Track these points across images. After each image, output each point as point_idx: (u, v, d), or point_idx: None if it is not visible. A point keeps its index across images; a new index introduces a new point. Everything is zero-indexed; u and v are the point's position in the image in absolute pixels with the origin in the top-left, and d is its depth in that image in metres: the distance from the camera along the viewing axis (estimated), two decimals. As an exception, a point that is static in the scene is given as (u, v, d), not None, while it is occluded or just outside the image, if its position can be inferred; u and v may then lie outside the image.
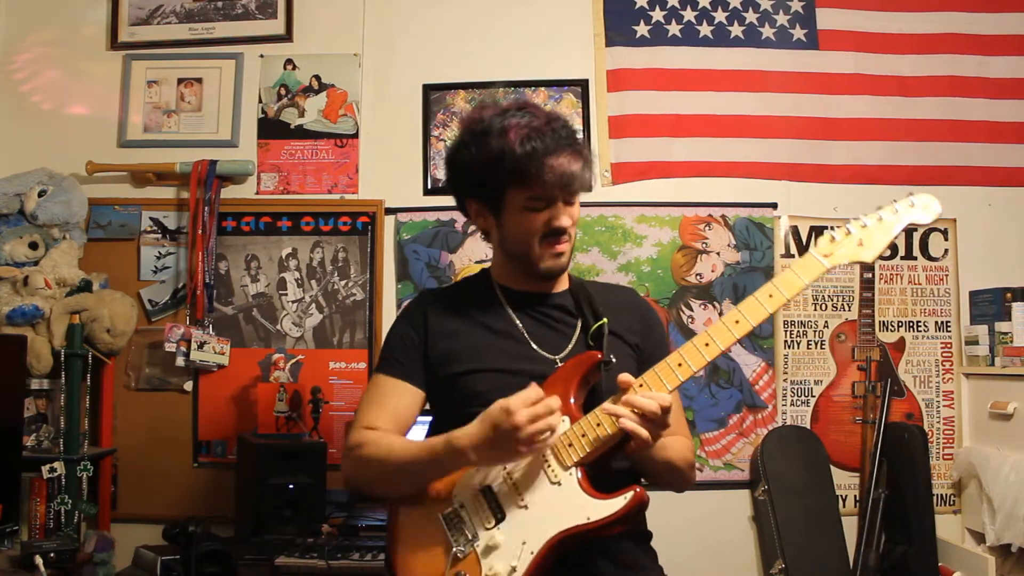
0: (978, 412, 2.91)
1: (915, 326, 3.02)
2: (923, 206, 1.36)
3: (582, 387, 1.43)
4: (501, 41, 3.10)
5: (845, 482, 2.94)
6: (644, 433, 1.31)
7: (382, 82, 3.11)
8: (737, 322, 1.35)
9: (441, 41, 3.12)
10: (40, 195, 2.83)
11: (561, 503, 1.35)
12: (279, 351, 2.88)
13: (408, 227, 3.02)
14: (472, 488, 1.42)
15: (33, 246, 2.83)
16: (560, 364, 1.48)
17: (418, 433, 1.56)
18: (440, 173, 3.08)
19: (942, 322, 3.02)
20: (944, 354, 3.01)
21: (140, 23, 3.15)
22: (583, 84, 3.06)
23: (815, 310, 3.01)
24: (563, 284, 1.60)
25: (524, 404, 1.29)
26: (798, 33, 3.11)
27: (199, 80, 3.13)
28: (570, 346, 1.51)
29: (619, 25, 3.11)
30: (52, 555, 2.34)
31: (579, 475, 1.36)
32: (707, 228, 3.02)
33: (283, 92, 3.11)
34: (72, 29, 3.17)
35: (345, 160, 3.08)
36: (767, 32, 3.11)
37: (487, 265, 1.69)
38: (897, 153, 3.06)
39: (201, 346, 2.89)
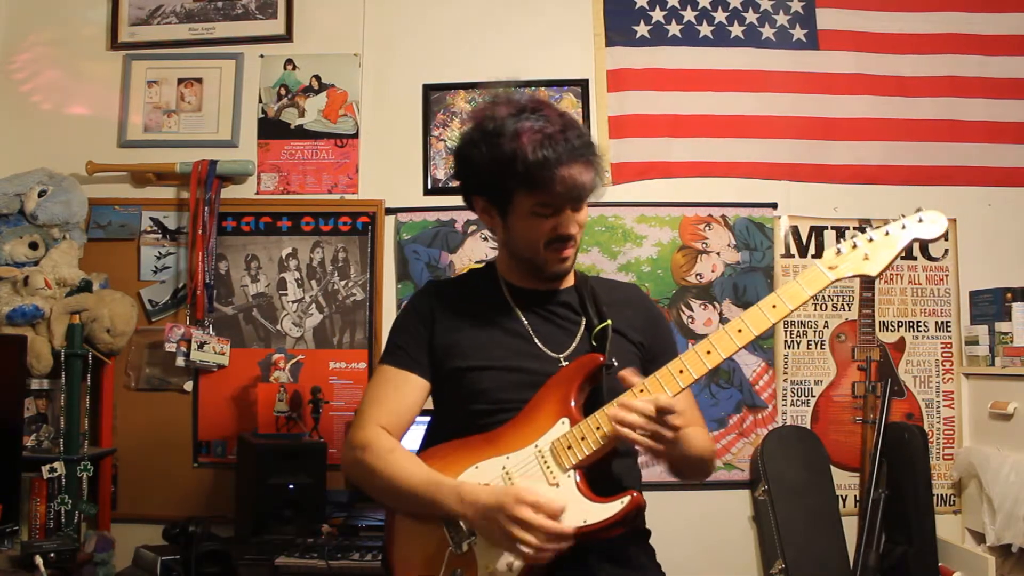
0: (978, 412, 2.91)
1: (915, 326, 3.02)
2: (930, 221, 1.37)
3: (583, 389, 1.42)
4: (501, 41, 3.10)
5: (845, 482, 2.94)
6: (645, 443, 1.31)
7: (382, 82, 3.12)
8: (740, 331, 1.35)
9: (441, 41, 3.12)
10: (40, 195, 2.83)
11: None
12: (279, 351, 2.88)
13: (408, 227, 3.02)
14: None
15: (33, 246, 2.83)
16: (563, 362, 1.48)
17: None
18: (440, 173, 3.08)
19: (942, 322, 3.02)
20: (944, 354, 3.01)
21: (140, 23, 3.15)
22: (583, 84, 3.06)
23: (815, 310, 3.01)
24: (568, 281, 1.59)
25: (533, 504, 1.28)
26: (798, 33, 3.11)
27: (199, 80, 3.13)
28: (574, 344, 1.50)
29: (619, 25, 3.11)
30: (52, 555, 2.34)
31: (577, 478, 1.36)
32: (707, 228, 3.02)
33: (283, 92, 3.11)
34: (72, 29, 3.17)
35: (345, 160, 3.08)
36: (767, 32, 3.11)
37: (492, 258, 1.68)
38: (897, 153, 3.06)
39: (201, 346, 2.89)
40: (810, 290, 1.35)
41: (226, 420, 2.95)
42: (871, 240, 1.36)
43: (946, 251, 3.05)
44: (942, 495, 2.95)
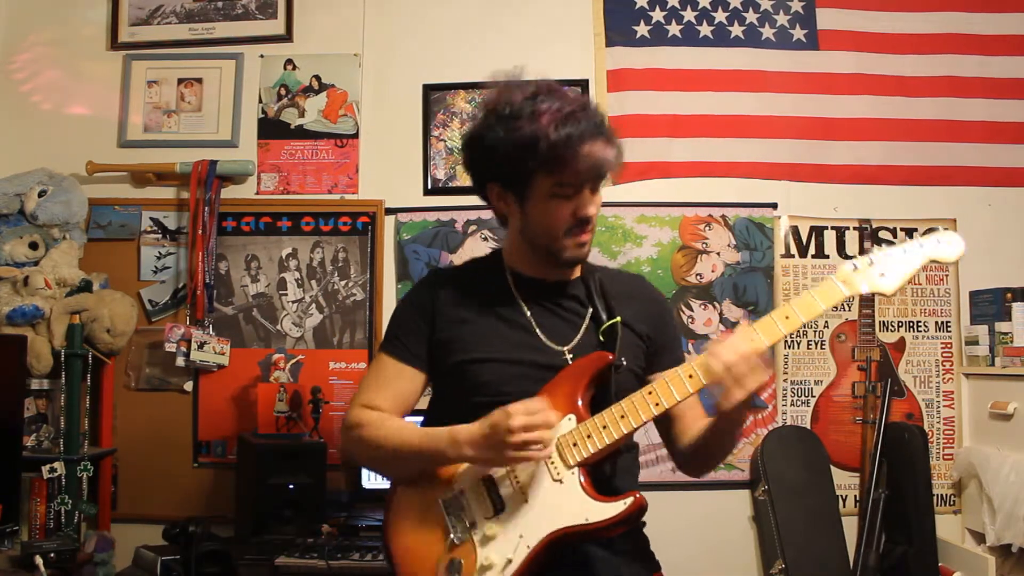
0: (978, 412, 2.91)
1: (915, 326, 3.02)
2: (948, 243, 1.36)
3: (591, 386, 1.42)
4: (501, 41, 3.10)
5: (845, 482, 2.94)
6: (733, 393, 1.30)
7: (382, 82, 3.12)
8: (751, 340, 1.35)
9: (441, 41, 3.12)
10: (40, 195, 2.83)
11: (561, 501, 1.35)
12: (279, 351, 2.88)
13: (408, 227, 3.02)
14: (474, 476, 1.42)
15: (33, 246, 2.83)
16: (567, 354, 1.47)
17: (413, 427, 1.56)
18: (440, 173, 3.08)
19: (942, 322, 3.02)
20: (944, 354, 3.01)
21: (140, 23, 3.15)
22: (583, 84, 3.06)
23: (815, 310, 3.01)
24: (575, 272, 1.57)
25: (524, 411, 1.29)
26: (798, 33, 3.11)
27: (199, 80, 3.13)
28: (578, 337, 1.49)
29: (619, 25, 3.11)
30: (52, 555, 2.35)
31: (581, 475, 1.36)
32: (707, 228, 3.02)
33: (283, 92, 3.11)
34: (72, 29, 3.17)
35: (345, 160, 3.08)
36: (767, 32, 3.11)
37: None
38: (897, 153, 3.06)
39: (201, 346, 2.89)
40: (824, 304, 1.34)
41: (226, 420, 2.95)
42: (888, 257, 1.35)
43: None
44: (942, 495, 2.95)
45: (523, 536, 1.35)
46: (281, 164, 3.08)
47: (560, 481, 1.36)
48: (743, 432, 1.47)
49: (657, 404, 1.36)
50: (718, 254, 3.01)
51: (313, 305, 3.02)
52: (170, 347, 2.88)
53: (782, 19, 3.12)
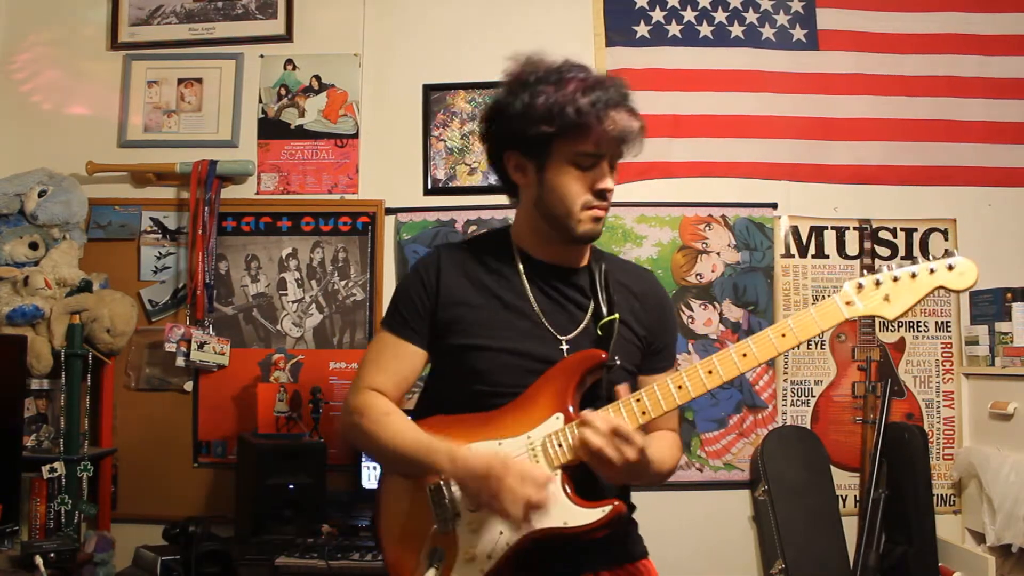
0: (978, 412, 2.91)
1: (915, 326, 3.02)
2: (960, 272, 1.30)
3: (582, 384, 1.42)
4: (501, 41, 3.09)
5: (845, 482, 2.94)
6: (605, 470, 1.31)
7: (382, 82, 3.12)
8: (745, 355, 1.33)
9: (441, 41, 3.12)
10: (40, 195, 2.83)
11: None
12: (279, 351, 2.88)
13: (408, 227, 3.02)
14: None
15: (33, 246, 2.83)
16: (565, 345, 1.46)
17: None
18: (440, 173, 3.08)
19: (942, 322, 3.02)
20: (944, 354, 3.01)
21: (140, 23, 3.15)
22: (583, 84, 3.06)
23: (815, 310, 3.01)
24: (583, 258, 1.56)
25: (531, 482, 1.29)
26: (798, 33, 3.11)
27: (199, 80, 3.13)
28: (578, 330, 1.48)
29: (619, 25, 3.11)
30: (52, 555, 2.35)
31: (563, 478, 1.36)
32: (707, 228, 3.02)
33: (283, 92, 3.11)
34: (72, 29, 3.17)
35: (345, 160, 3.08)
36: (767, 32, 3.11)
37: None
38: (897, 153, 3.06)
39: (201, 346, 2.89)
40: (823, 324, 1.33)
41: (226, 420, 2.95)
42: (896, 280, 1.32)
43: (946, 251, 3.03)
44: (942, 495, 2.95)
45: (503, 532, 1.35)
46: (281, 164, 3.08)
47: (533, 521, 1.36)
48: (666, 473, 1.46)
49: (644, 413, 1.36)
50: (718, 254, 3.01)
51: (313, 305, 3.02)
52: (170, 347, 2.88)
53: (782, 19, 3.12)
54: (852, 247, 3.04)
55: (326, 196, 3.06)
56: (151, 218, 3.04)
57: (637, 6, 3.12)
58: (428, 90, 3.09)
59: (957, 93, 3.08)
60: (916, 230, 3.05)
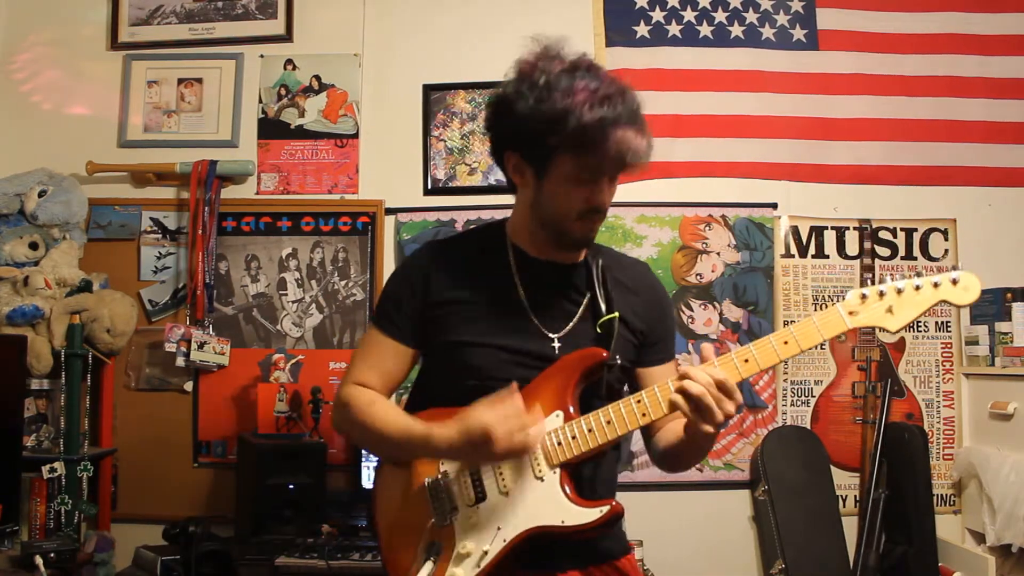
0: (978, 412, 2.91)
1: (915, 326, 3.02)
2: (964, 287, 1.28)
3: (582, 382, 1.41)
4: (501, 41, 3.08)
5: (845, 482, 2.94)
6: (704, 422, 1.28)
7: (382, 82, 3.12)
8: (746, 361, 1.32)
9: (441, 41, 3.12)
10: (40, 195, 2.83)
11: (540, 499, 1.35)
12: (279, 351, 2.88)
13: (408, 227, 3.02)
14: (460, 462, 1.42)
15: (33, 246, 2.83)
16: (557, 342, 1.45)
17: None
18: (441, 173, 3.08)
19: (942, 322, 3.02)
20: (944, 354, 3.01)
21: (140, 23, 3.15)
22: (583, 84, 3.06)
23: (815, 310, 3.01)
24: (579, 254, 1.54)
25: (502, 421, 1.28)
26: (798, 33, 3.11)
27: (199, 80, 3.13)
28: (570, 325, 1.46)
29: (619, 25, 3.11)
30: (52, 555, 2.35)
31: (562, 476, 1.36)
32: (707, 228, 3.02)
33: (283, 92, 3.11)
34: (72, 29, 3.17)
35: (345, 160, 3.08)
36: (767, 32, 3.11)
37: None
38: (897, 153, 3.06)
39: (201, 346, 2.89)
40: (826, 334, 1.32)
41: (226, 420, 2.95)
42: (900, 292, 1.30)
43: (946, 251, 3.05)
44: (942, 495, 2.95)
45: (500, 529, 1.36)
46: (281, 164, 3.08)
47: (541, 479, 1.36)
48: (726, 433, 1.43)
49: (644, 415, 1.35)
50: (718, 254, 3.01)
51: (313, 305, 3.02)
52: (170, 347, 2.88)
53: (782, 19, 3.12)
54: (852, 247, 3.04)
55: (326, 196, 3.06)
56: (151, 218, 3.04)
57: (637, 6, 3.12)
58: (428, 90, 3.09)
59: (957, 93, 3.08)
60: (916, 230, 3.05)
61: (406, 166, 3.08)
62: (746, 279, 3.00)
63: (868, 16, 3.10)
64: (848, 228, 3.05)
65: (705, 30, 3.11)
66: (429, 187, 3.07)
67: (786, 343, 1.32)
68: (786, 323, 2.99)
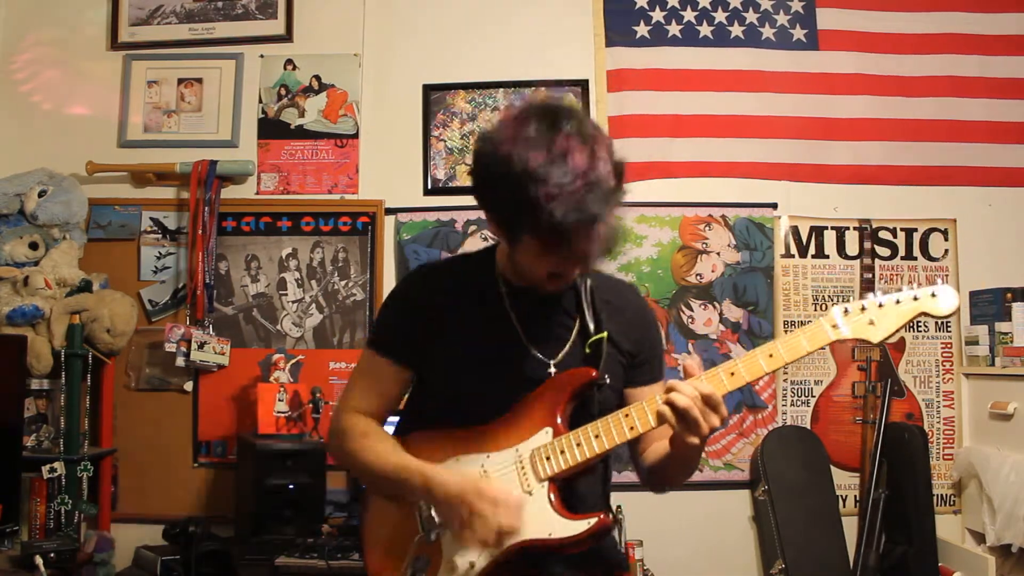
0: (978, 412, 2.91)
1: (915, 326, 3.02)
2: (942, 298, 1.35)
3: (571, 401, 1.42)
4: (501, 41, 3.10)
5: (845, 482, 2.94)
6: (689, 435, 1.29)
7: (382, 82, 3.12)
8: (733, 374, 1.35)
9: (441, 41, 3.12)
10: (40, 195, 2.83)
11: (529, 513, 1.35)
12: (279, 351, 2.88)
13: (408, 227, 3.02)
14: None
15: (33, 246, 2.83)
16: (553, 368, 1.46)
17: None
18: (440, 173, 3.08)
19: (942, 322, 3.02)
20: (944, 354, 3.01)
21: (140, 23, 3.15)
22: (583, 84, 3.06)
23: (815, 310, 3.01)
24: None
25: (493, 503, 1.30)
26: (798, 33, 3.11)
27: (199, 80, 3.13)
28: (565, 349, 1.48)
29: (619, 25, 3.11)
30: (52, 555, 2.35)
31: (550, 490, 1.37)
32: (707, 228, 3.02)
33: (283, 92, 3.11)
34: (72, 29, 3.17)
35: (345, 160, 3.08)
36: (767, 32, 3.11)
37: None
38: (897, 153, 3.06)
39: (201, 346, 2.89)
40: (810, 346, 1.36)
41: (226, 420, 2.95)
42: (880, 306, 1.37)
43: (946, 251, 3.05)
44: (942, 495, 2.95)
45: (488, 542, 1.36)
46: (281, 164, 3.08)
47: (530, 493, 1.37)
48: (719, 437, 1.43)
49: (632, 428, 1.36)
50: (718, 254, 3.01)
51: (313, 305, 3.02)
52: (170, 347, 2.88)
53: (782, 19, 3.12)
54: (852, 247, 3.04)
55: (326, 196, 3.06)
56: (151, 218, 3.04)
57: (637, 6, 3.12)
58: (428, 90, 3.09)
59: (957, 93, 3.08)
60: (916, 230, 3.05)
61: (406, 166, 3.08)
62: (746, 279, 3.00)
63: (868, 16, 3.10)
64: (848, 228, 3.05)
65: (705, 30, 3.11)
66: (429, 187, 3.07)
67: (771, 356, 1.36)
68: (786, 323, 3.00)
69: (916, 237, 3.05)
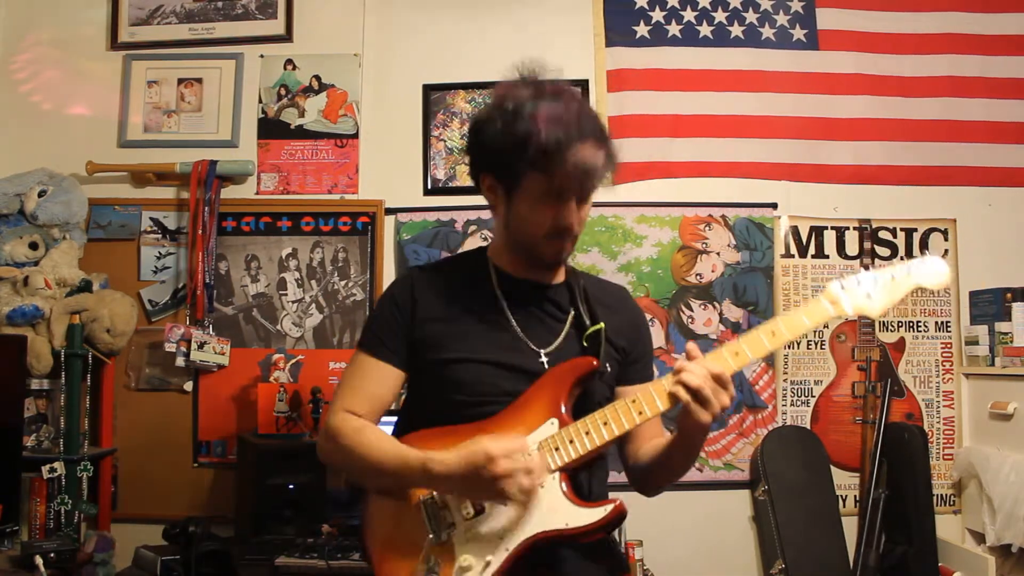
0: (978, 412, 2.91)
1: (915, 326, 3.02)
2: (933, 271, 1.39)
3: (574, 391, 1.42)
4: (501, 41, 3.10)
5: (845, 482, 2.94)
6: (701, 414, 1.30)
7: (382, 82, 3.12)
8: (737, 354, 1.35)
9: (441, 41, 3.12)
10: (40, 195, 2.83)
11: (542, 505, 1.35)
12: (279, 351, 2.88)
13: (408, 227, 3.03)
14: None
15: (33, 246, 2.83)
16: (545, 358, 1.46)
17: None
18: (440, 173, 3.08)
19: (942, 322, 3.02)
20: (944, 354, 3.01)
21: (140, 23, 3.15)
22: (583, 84, 3.06)
23: (815, 310, 3.01)
24: (559, 276, 1.57)
25: (505, 453, 1.28)
26: (798, 33, 3.11)
27: (199, 80, 3.13)
28: (558, 341, 1.48)
29: (619, 25, 3.11)
30: (52, 555, 2.35)
31: (562, 480, 1.36)
32: (707, 228, 3.02)
33: (283, 92, 3.11)
34: (72, 29, 3.17)
35: (345, 160, 3.08)
36: (767, 32, 3.11)
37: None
38: (897, 153, 3.06)
39: (201, 346, 2.89)
40: (810, 322, 1.38)
41: (226, 420, 2.95)
42: (876, 281, 1.39)
43: (946, 251, 3.05)
44: (942, 495, 2.95)
45: (503, 538, 1.35)
46: (281, 164, 3.08)
47: (541, 485, 1.36)
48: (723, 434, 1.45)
49: (641, 413, 1.36)
50: (718, 254, 3.01)
51: (313, 305, 3.02)
52: (170, 347, 2.88)
53: (782, 19, 3.12)
54: (852, 247, 3.04)
55: (326, 196, 3.06)
56: (151, 218, 3.04)
57: (637, 6, 3.12)
58: (428, 90, 3.10)
59: (958, 93, 3.08)
60: (916, 230, 3.05)
61: (406, 166, 3.08)
62: (746, 279, 3.00)
63: (868, 16, 3.10)
64: (848, 228, 3.05)
65: (705, 30, 3.11)
66: (429, 187, 3.07)
67: (774, 334, 1.37)
68: (786, 323, 2.99)
69: (916, 237, 3.05)
